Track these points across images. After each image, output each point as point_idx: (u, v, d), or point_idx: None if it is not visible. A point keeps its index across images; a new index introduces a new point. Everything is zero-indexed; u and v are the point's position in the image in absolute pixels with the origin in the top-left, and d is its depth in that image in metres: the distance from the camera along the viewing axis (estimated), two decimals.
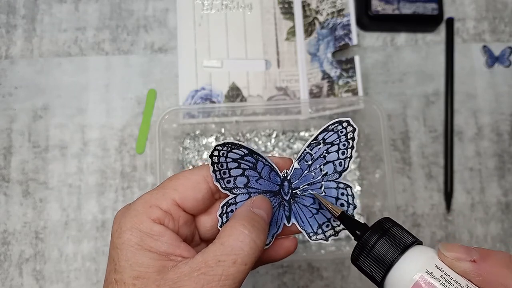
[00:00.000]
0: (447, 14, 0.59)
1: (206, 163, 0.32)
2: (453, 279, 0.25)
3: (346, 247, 0.52)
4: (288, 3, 0.58)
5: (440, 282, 0.25)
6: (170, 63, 0.57)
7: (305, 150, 0.33)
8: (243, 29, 0.58)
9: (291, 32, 0.58)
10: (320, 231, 0.33)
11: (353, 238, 0.29)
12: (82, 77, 0.56)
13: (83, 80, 0.56)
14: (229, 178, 0.32)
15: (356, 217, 0.53)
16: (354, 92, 0.55)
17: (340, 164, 0.33)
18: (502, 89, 0.58)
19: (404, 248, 0.26)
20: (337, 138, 0.33)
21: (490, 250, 0.26)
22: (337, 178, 0.33)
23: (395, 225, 0.28)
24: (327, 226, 0.33)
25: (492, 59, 0.58)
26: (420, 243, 0.28)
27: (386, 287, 0.27)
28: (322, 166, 0.33)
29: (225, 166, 0.31)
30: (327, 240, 0.33)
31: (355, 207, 0.33)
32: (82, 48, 0.57)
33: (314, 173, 0.33)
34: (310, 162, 0.33)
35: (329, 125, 0.33)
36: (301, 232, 0.34)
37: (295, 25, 0.58)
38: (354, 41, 0.56)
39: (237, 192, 0.32)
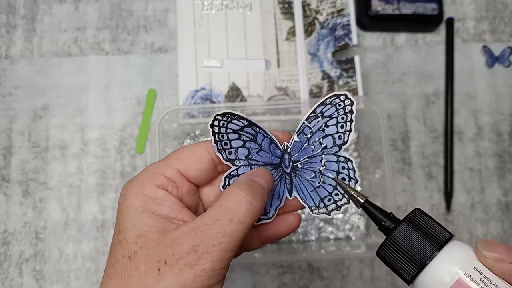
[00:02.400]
0: (447, 14, 0.59)
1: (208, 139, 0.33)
2: (492, 283, 0.24)
3: (346, 247, 0.52)
4: (288, 3, 0.58)
5: (479, 286, 0.23)
6: (170, 63, 0.57)
7: (303, 123, 0.33)
8: (243, 29, 0.58)
9: (291, 32, 0.58)
10: (322, 205, 0.33)
11: (377, 228, 0.27)
12: (82, 77, 0.56)
13: (83, 80, 0.56)
14: (230, 150, 0.32)
15: (357, 217, 0.53)
16: (354, 92, 0.55)
17: (339, 137, 0.33)
18: (502, 89, 0.58)
19: (440, 245, 0.24)
20: (335, 112, 0.33)
21: None
22: (336, 152, 0.33)
23: (428, 218, 0.26)
24: (329, 200, 0.33)
25: (492, 59, 0.58)
26: (453, 236, 0.26)
27: (417, 286, 0.25)
28: (321, 139, 0.33)
29: (225, 137, 0.32)
30: (329, 214, 0.33)
31: (356, 181, 0.33)
32: (82, 48, 0.57)
33: (314, 146, 0.33)
34: (309, 135, 0.33)
35: (326, 99, 0.33)
36: (304, 208, 0.33)
37: (295, 25, 0.58)
38: (354, 41, 0.56)
39: (239, 164, 0.32)
